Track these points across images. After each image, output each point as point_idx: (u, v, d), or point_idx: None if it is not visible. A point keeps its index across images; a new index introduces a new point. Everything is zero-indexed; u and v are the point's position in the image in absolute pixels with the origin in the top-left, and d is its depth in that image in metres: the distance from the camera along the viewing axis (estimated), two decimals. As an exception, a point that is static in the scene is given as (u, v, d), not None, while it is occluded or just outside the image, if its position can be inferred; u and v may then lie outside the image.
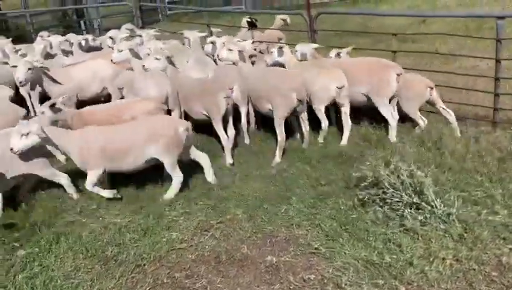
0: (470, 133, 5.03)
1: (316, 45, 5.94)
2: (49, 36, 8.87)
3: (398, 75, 5.07)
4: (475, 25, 10.58)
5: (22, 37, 12.72)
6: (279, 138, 4.99)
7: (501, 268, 3.10)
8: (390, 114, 5.17)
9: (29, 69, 5.73)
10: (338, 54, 5.84)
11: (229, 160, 5.05)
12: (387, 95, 5.14)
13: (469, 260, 3.18)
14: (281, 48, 5.72)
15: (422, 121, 5.24)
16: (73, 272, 3.47)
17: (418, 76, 5.35)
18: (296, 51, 5.77)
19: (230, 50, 5.48)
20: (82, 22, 14.71)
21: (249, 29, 8.48)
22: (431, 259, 3.20)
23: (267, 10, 12.99)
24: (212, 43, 6.52)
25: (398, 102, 5.24)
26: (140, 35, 7.95)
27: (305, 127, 5.20)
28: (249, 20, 8.74)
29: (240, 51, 5.53)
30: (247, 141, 5.57)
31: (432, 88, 5.08)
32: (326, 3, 17.94)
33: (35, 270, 3.49)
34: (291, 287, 3.14)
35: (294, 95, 4.86)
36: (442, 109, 5.24)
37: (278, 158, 5.01)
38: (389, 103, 5.21)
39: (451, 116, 5.19)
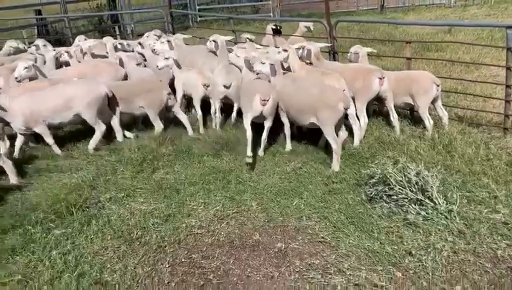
0: (480, 138, 5.17)
1: (323, 44, 6.22)
2: (85, 40, 9.52)
3: (380, 78, 5.39)
4: (500, 35, 10.59)
5: (60, 40, 13.57)
6: (334, 146, 4.89)
7: (495, 260, 3.29)
8: (363, 116, 5.53)
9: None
10: (356, 54, 6.08)
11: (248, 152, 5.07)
12: (368, 98, 5.52)
13: (465, 252, 3.38)
14: (285, 50, 5.96)
15: (428, 122, 5.44)
16: (102, 250, 3.85)
17: (425, 72, 5.61)
18: (303, 46, 6.05)
19: (263, 63, 5.54)
20: (116, 27, 15.43)
21: (273, 36, 8.82)
22: (429, 250, 3.42)
23: (291, 18, 13.30)
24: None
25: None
26: (169, 40, 8.45)
27: (356, 125, 5.39)
28: (273, 27, 9.09)
29: (271, 64, 5.53)
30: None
31: (438, 85, 5.30)
32: (353, 11, 18.17)
33: (67, 247, 3.88)
34: (296, 270, 3.42)
35: (342, 105, 4.86)
36: (439, 109, 5.58)
37: (336, 167, 4.90)
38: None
39: (445, 117, 5.57)
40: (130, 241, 3.95)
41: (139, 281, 3.44)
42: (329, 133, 4.91)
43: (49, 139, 5.82)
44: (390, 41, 10.20)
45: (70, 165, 5.54)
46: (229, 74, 6.03)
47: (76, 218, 4.33)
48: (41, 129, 5.76)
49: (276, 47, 7.32)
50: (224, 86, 5.92)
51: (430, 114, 5.57)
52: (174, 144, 6.00)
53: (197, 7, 19.45)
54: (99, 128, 5.90)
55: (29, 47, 9.58)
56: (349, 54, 6.27)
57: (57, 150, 5.86)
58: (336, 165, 4.91)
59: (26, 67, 6.35)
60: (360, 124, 5.46)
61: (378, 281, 3.17)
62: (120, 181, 5.05)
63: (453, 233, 3.60)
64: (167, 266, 3.61)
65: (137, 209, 4.47)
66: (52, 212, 4.41)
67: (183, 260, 3.67)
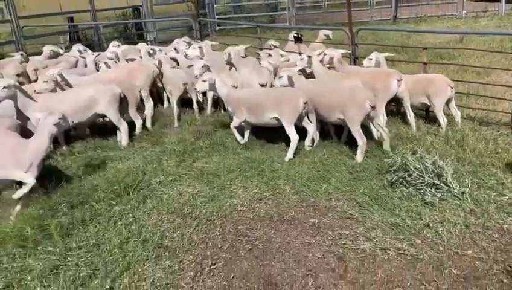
0: (490, 135, 5.73)
1: (343, 50, 6.85)
2: (118, 45, 10.29)
3: (398, 80, 5.99)
4: (511, 45, 11.16)
5: (89, 46, 14.39)
6: (360, 142, 5.39)
7: (501, 232, 3.85)
8: (382, 114, 6.09)
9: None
10: (373, 59, 6.70)
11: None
12: (387, 97, 6.09)
13: (476, 226, 3.94)
14: (309, 56, 6.58)
15: (442, 120, 6.02)
16: (159, 222, 4.47)
17: (440, 75, 6.20)
18: (326, 54, 6.67)
19: (281, 77, 6.10)
20: (139, 35, 16.27)
21: (295, 43, 9.48)
22: (444, 223, 3.99)
23: (311, 26, 13.98)
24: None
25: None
26: (200, 47, 9.19)
27: (384, 130, 5.67)
28: (295, 35, 9.76)
29: (289, 76, 6.09)
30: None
31: (452, 87, 5.88)
32: (366, 22, 18.79)
33: (129, 220, 4.52)
34: (329, 239, 4.00)
35: (368, 103, 5.34)
36: (453, 109, 6.18)
37: (359, 158, 5.42)
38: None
39: (458, 116, 6.16)
40: (182, 216, 4.57)
41: (195, 245, 4.05)
42: (356, 130, 5.47)
43: None
44: (405, 47, 10.81)
45: (120, 155, 6.20)
46: (263, 74, 6.67)
47: (133, 197, 4.97)
48: None
49: (299, 53, 8.02)
50: (261, 85, 6.53)
51: (444, 114, 6.14)
52: (211, 138, 6.64)
53: (216, 17, 20.26)
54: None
55: (66, 51, 10.40)
56: (365, 60, 6.84)
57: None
58: (360, 157, 5.48)
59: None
60: (380, 121, 6.05)
61: (401, 245, 3.75)
62: (166, 168, 5.69)
63: (465, 211, 4.17)
64: (218, 234, 4.22)
65: (184, 191, 5.10)
66: (111, 192, 5.05)
67: (230, 230, 4.28)
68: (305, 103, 5.67)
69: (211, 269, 3.71)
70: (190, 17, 13.57)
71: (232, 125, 6.22)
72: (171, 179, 5.38)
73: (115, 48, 9.99)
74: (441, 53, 10.89)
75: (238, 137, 6.26)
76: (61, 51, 9.94)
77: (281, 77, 6.14)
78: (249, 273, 3.65)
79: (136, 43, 12.52)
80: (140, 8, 17.70)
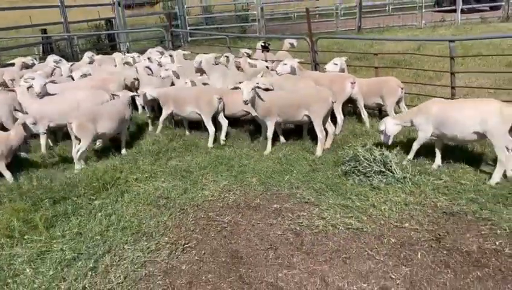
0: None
1: (298, 59, 7.61)
2: (93, 56, 10.70)
3: (352, 83, 6.68)
4: (463, 51, 12.10)
5: (63, 57, 14.64)
6: (320, 136, 6.05)
7: (435, 208, 4.48)
8: (339, 113, 6.79)
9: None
10: (335, 64, 7.35)
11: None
12: (343, 99, 6.74)
13: (414, 204, 4.57)
14: (285, 64, 7.26)
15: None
16: (137, 212, 4.91)
17: (392, 78, 6.92)
18: (285, 64, 7.32)
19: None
20: (114, 45, 16.62)
21: (262, 51, 10.11)
22: (387, 203, 4.60)
23: (277, 35, 14.70)
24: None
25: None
26: (171, 55, 9.75)
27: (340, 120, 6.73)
28: (263, 44, 10.41)
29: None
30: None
31: (402, 88, 6.59)
32: (333, 31, 19.72)
33: (109, 211, 4.95)
34: (289, 220, 4.54)
35: (331, 99, 6.07)
36: (403, 108, 6.90)
37: (319, 152, 6.05)
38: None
39: None
40: (157, 207, 5.03)
41: (170, 230, 4.52)
42: (318, 124, 6.07)
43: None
44: (360, 54, 11.60)
45: (97, 156, 6.60)
46: (231, 79, 7.27)
47: (111, 192, 5.40)
48: None
49: (266, 60, 8.65)
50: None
51: (395, 112, 6.83)
52: (183, 139, 7.12)
53: (188, 28, 20.80)
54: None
55: (41, 62, 10.72)
56: (329, 65, 7.49)
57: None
58: (319, 151, 6.09)
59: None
60: (337, 120, 6.70)
61: (349, 221, 4.33)
62: (142, 167, 6.13)
63: (405, 192, 4.80)
64: (190, 220, 4.69)
65: (159, 186, 5.55)
66: (91, 188, 5.46)
67: (202, 216, 4.77)
68: (220, 99, 6.72)
69: (184, 247, 4.19)
70: (162, 28, 14.05)
71: (161, 118, 7.41)
72: (146, 175, 5.83)
73: (89, 58, 10.44)
74: (399, 60, 11.75)
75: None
76: (30, 63, 10.19)
77: (285, 64, 7.24)
78: (218, 250, 4.15)
79: (109, 54, 12.95)
80: (113, 20, 18.08)
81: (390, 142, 5.66)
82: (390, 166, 5.12)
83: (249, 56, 9.74)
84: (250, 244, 4.19)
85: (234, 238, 4.33)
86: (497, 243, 3.83)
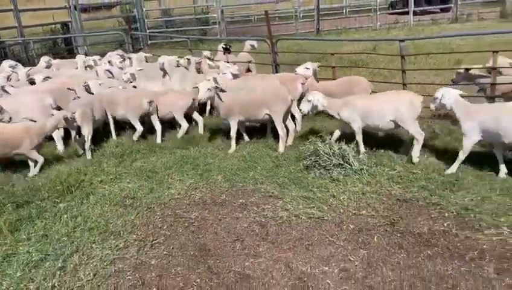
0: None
1: (236, 67, 7.90)
2: (50, 60, 10.50)
3: (302, 83, 6.95)
4: (415, 50, 12.73)
5: (18, 62, 14.19)
6: (281, 133, 6.27)
7: (390, 196, 4.79)
8: (296, 111, 7.00)
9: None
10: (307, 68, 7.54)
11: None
12: (295, 98, 6.96)
13: (370, 193, 4.87)
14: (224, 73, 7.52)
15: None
16: (103, 213, 4.94)
17: (362, 77, 7.21)
18: (225, 73, 7.52)
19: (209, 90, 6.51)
20: (71, 50, 16.29)
21: (224, 53, 10.27)
22: (346, 193, 4.88)
23: (238, 37, 14.93)
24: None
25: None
26: (130, 58, 9.77)
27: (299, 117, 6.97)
28: (224, 46, 10.57)
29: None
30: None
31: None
32: (292, 34, 20.15)
33: (74, 213, 4.95)
34: (254, 213, 4.72)
35: (290, 97, 6.35)
36: None
37: (281, 148, 6.27)
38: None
39: None
40: (124, 206, 5.08)
41: (138, 228, 4.59)
42: (279, 122, 6.30)
43: None
44: (316, 54, 11.97)
45: (60, 159, 6.54)
46: (191, 80, 7.41)
47: (76, 195, 5.39)
48: None
49: (227, 62, 8.83)
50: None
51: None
52: (148, 141, 7.17)
53: (148, 31, 20.63)
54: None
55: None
56: (300, 68, 7.58)
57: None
58: (281, 147, 6.32)
59: None
60: (296, 117, 6.96)
61: (311, 211, 4.56)
62: (106, 169, 6.13)
63: (362, 183, 5.09)
64: (158, 218, 4.78)
65: (125, 186, 5.60)
66: (55, 191, 5.43)
67: (169, 214, 4.87)
68: (150, 102, 6.94)
69: (153, 243, 4.28)
70: (122, 32, 13.93)
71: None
72: (111, 177, 5.85)
73: (46, 62, 10.24)
74: (356, 60, 12.23)
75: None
76: None
77: (225, 73, 7.40)
78: (186, 244, 4.27)
79: (66, 59, 12.70)
80: (69, 23, 17.69)
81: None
82: (348, 159, 5.41)
83: (210, 58, 9.88)
84: (217, 238, 4.34)
85: (202, 232, 4.46)
86: (445, 224, 4.17)
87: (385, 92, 6.04)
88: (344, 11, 25.77)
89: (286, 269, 3.77)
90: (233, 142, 6.57)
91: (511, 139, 4.70)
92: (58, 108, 6.95)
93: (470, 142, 5.03)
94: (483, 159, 5.32)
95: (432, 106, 5.42)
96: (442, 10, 22.50)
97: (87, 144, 6.59)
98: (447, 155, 5.57)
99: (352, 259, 3.81)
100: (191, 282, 3.71)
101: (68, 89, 7.31)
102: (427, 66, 10.81)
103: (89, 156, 6.61)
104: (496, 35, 12.09)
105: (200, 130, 7.35)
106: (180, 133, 7.23)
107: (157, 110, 7.19)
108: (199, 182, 5.59)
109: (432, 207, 4.49)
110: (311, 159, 5.62)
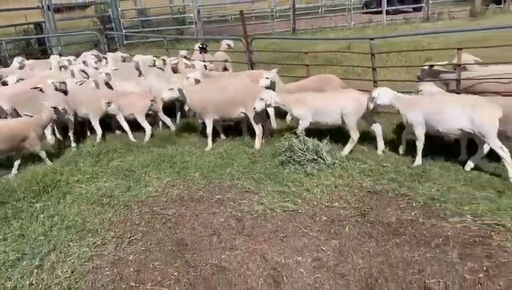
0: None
1: (199, 71, 7.83)
2: (23, 60, 10.35)
3: (266, 78, 6.96)
4: (387, 49, 13.05)
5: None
6: (257, 131, 6.40)
7: (361, 188, 4.98)
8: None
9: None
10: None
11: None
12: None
13: (342, 186, 5.04)
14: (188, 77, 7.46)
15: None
16: (80, 212, 4.97)
17: (334, 76, 7.35)
18: (188, 77, 7.42)
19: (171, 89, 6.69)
20: (44, 50, 16.02)
21: (200, 53, 10.33)
22: (319, 187, 5.04)
23: (215, 36, 15.01)
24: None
25: None
26: (105, 57, 9.74)
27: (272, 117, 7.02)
28: (200, 45, 10.62)
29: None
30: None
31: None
32: (269, 33, 20.33)
33: (51, 213, 4.96)
34: (231, 208, 4.83)
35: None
36: None
37: (257, 145, 6.40)
38: None
39: None
40: (101, 205, 5.12)
41: (115, 225, 4.64)
42: (254, 120, 6.40)
43: None
44: (293, 52, 12.19)
45: (35, 159, 6.50)
46: (166, 80, 7.47)
47: (53, 194, 5.39)
48: None
49: (204, 61, 8.91)
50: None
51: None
52: (125, 140, 7.19)
53: (124, 31, 20.45)
54: None
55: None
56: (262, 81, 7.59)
57: None
58: (257, 144, 6.44)
59: None
60: (269, 114, 7.09)
61: (286, 205, 4.70)
62: (83, 168, 6.14)
63: (335, 176, 5.27)
64: (135, 215, 4.84)
65: (102, 185, 5.62)
66: (31, 192, 5.41)
67: (147, 211, 4.93)
68: (108, 103, 7.04)
69: (131, 240, 4.34)
70: (96, 32, 13.81)
71: None
72: (88, 177, 5.86)
73: (19, 63, 10.10)
74: (331, 58, 12.47)
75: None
76: None
77: (188, 77, 7.25)
78: (164, 240, 4.34)
79: (39, 59, 12.51)
80: (43, 24, 17.40)
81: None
82: (322, 154, 5.57)
83: (187, 58, 9.92)
84: (194, 233, 4.43)
85: (179, 228, 4.54)
86: (412, 214, 4.37)
87: (333, 91, 6.19)
88: (320, 10, 26.10)
89: (261, 260, 3.89)
90: (209, 140, 6.66)
91: (447, 129, 5.09)
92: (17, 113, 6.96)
93: (420, 131, 5.35)
94: (449, 151, 5.56)
95: (370, 105, 5.67)
96: (415, 9, 23.03)
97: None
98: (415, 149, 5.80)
99: (324, 249, 3.96)
100: (168, 276, 3.79)
101: (34, 88, 7.18)
102: (399, 64, 11.12)
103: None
104: (467, 33, 12.57)
105: (171, 127, 7.43)
106: (146, 137, 7.20)
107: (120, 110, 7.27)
108: (176, 180, 5.66)
109: (400, 198, 4.69)
110: (286, 155, 5.76)
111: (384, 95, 5.51)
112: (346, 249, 3.93)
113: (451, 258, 3.66)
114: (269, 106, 6.16)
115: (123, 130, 7.38)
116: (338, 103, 5.83)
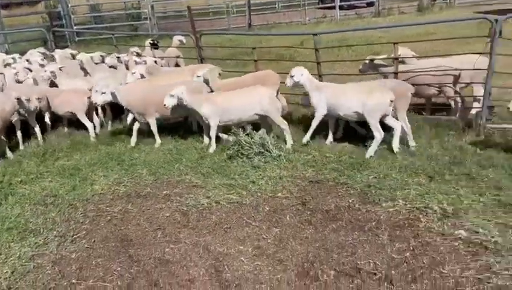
0: (307, 114, 7.23)
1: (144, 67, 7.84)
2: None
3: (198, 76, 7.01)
4: (339, 43, 13.41)
5: None
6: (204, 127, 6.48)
7: (304, 179, 5.16)
8: None
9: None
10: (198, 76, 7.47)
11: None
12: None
13: (287, 177, 5.21)
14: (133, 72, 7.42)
15: None
16: (23, 213, 4.88)
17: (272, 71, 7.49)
18: (134, 72, 7.38)
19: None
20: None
21: (151, 49, 10.23)
22: (264, 178, 5.19)
23: (169, 32, 14.90)
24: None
25: None
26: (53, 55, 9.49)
27: None
28: (151, 42, 10.52)
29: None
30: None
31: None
32: (225, 28, 20.35)
33: (-8, 215, 4.84)
34: (177, 203, 4.89)
35: (207, 90, 6.60)
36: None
37: (207, 140, 6.41)
38: None
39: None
40: (45, 205, 5.04)
41: (59, 225, 4.59)
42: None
43: None
44: (238, 48, 12.27)
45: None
46: (115, 78, 7.36)
47: (-7, 196, 5.25)
48: None
49: (154, 57, 8.85)
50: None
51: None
52: (72, 138, 7.06)
53: (74, 27, 19.85)
54: None
55: None
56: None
57: None
58: (207, 139, 6.50)
59: None
60: None
61: (231, 197, 4.82)
62: (27, 169, 6.00)
63: (280, 168, 5.43)
64: (80, 214, 4.81)
65: (46, 185, 5.53)
66: (-30, 192, 5.25)
67: (92, 209, 4.91)
68: (38, 99, 6.86)
69: (74, 238, 4.32)
70: (44, 29, 13.37)
71: None
72: (32, 177, 5.75)
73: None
74: (284, 53, 12.69)
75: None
76: None
77: (134, 72, 7.25)
78: (108, 237, 4.35)
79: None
80: (-13, 20, 16.65)
81: None
82: (268, 147, 5.73)
83: (139, 55, 9.81)
84: (139, 228, 4.46)
85: (124, 225, 4.56)
86: (350, 201, 4.60)
87: (243, 88, 6.31)
88: (276, 6, 26.33)
89: (204, 251, 3.99)
90: (156, 136, 6.66)
91: (345, 112, 5.72)
92: None
93: (319, 113, 5.95)
94: (387, 141, 5.86)
95: (288, 83, 6.05)
96: (368, 4, 23.71)
97: None
98: (358, 139, 6.07)
99: (265, 237, 4.11)
100: (111, 271, 3.82)
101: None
102: (349, 58, 11.48)
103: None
104: (416, 27, 13.16)
105: (91, 132, 7.14)
106: (91, 134, 7.09)
107: (49, 108, 7.23)
108: (124, 177, 5.65)
109: (340, 186, 4.91)
110: (234, 149, 5.87)
111: (299, 74, 5.95)
112: (286, 237, 4.09)
113: (382, 240, 3.89)
114: (180, 101, 6.05)
115: (78, 129, 7.23)
116: (253, 99, 6.00)
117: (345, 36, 14.13)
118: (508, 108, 5.04)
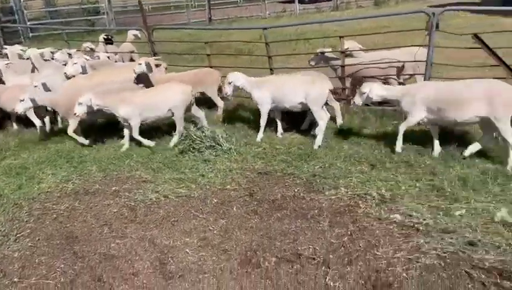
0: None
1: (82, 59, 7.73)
2: None
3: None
4: (297, 36, 13.57)
5: None
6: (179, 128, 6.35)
7: (253, 171, 5.26)
8: None
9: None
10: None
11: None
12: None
13: (236, 169, 5.29)
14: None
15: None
16: (-36, 214, 4.75)
17: (212, 69, 7.50)
18: (75, 63, 7.31)
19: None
20: None
21: (104, 44, 10.06)
22: (214, 171, 5.25)
23: (122, 27, 14.68)
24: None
25: None
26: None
27: None
28: (105, 37, 10.34)
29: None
30: None
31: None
32: (185, 23, 20.19)
33: None
34: (125, 198, 4.88)
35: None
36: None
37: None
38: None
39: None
40: (-12, 205, 4.92)
41: (2, 225, 4.50)
42: (179, 119, 6.28)
43: None
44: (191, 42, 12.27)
45: None
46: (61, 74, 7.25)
47: None
48: None
49: (106, 52, 8.72)
50: None
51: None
52: (20, 137, 6.89)
53: (28, 23, 19.18)
54: None
55: None
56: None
57: None
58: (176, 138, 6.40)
59: None
60: None
61: (180, 191, 4.86)
62: (-30, 169, 5.82)
63: (230, 161, 5.51)
64: (25, 213, 4.72)
65: (-10, 186, 5.39)
66: None
67: (37, 207, 4.83)
68: None
69: (17, 237, 4.26)
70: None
71: None
72: (-24, 176, 5.58)
73: None
74: (241, 48, 12.73)
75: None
76: None
77: (75, 63, 7.19)
78: (53, 234, 4.31)
79: None
80: None
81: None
82: (219, 141, 5.79)
83: (92, 50, 9.63)
84: (86, 225, 4.44)
85: (70, 222, 4.52)
86: (295, 190, 4.73)
87: (157, 86, 6.46)
88: (238, 0, 26.34)
89: (150, 245, 4.02)
90: (76, 137, 6.44)
91: (290, 104, 5.87)
92: None
93: (264, 109, 6.05)
94: (332, 131, 6.06)
95: (228, 91, 6.03)
96: (328, -2, 24.09)
97: None
98: (307, 131, 6.23)
99: (212, 228, 4.18)
100: (54, 268, 3.80)
101: None
102: (306, 51, 11.67)
103: None
104: (372, 19, 13.46)
105: (39, 130, 7.05)
106: (39, 131, 6.98)
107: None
108: (72, 174, 5.58)
109: (287, 177, 5.04)
110: (185, 143, 5.90)
111: (236, 78, 6.02)
112: (232, 227, 4.18)
113: (323, 226, 4.04)
114: (91, 108, 5.89)
115: (27, 127, 7.00)
116: (166, 97, 6.08)
117: (303, 30, 14.36)
118: None
